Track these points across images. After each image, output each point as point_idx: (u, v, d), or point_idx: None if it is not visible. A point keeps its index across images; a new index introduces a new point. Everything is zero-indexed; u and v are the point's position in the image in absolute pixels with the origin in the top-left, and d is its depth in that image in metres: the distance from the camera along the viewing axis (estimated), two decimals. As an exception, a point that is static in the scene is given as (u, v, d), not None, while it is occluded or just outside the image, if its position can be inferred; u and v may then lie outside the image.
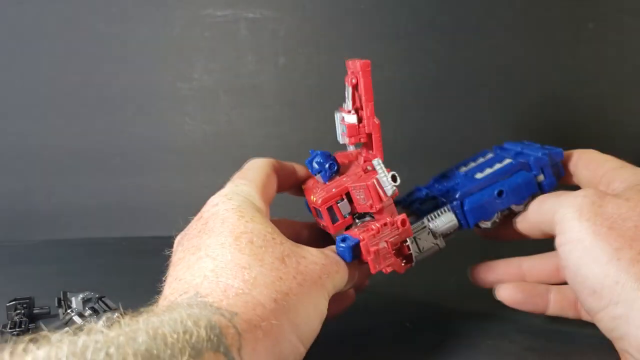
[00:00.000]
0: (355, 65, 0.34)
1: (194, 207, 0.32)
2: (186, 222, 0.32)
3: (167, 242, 0.32)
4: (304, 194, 0.38)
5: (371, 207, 0.33)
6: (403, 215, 0.33)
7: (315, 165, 0.36)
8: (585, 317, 0.34)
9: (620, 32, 0.62)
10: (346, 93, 0.36)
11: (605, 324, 0.28)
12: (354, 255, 0.31)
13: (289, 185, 0.38)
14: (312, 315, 0.27)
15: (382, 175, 0.32)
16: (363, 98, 0.34)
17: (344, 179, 0.35)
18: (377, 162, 0.33)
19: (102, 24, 0.64)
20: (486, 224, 0.36)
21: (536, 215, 0.34)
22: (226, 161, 0.65)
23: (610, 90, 0.63)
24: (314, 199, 0.35)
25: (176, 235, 0.32)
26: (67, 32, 0.64)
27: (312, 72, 0.63)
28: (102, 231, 0.64)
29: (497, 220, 0.36)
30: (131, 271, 0.52)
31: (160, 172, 0.65)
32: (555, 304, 0.35)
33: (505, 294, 0.35)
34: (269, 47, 0.63)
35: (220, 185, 0.33)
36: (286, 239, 0.30)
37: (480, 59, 0.62)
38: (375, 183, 0.32)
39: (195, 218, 0.31)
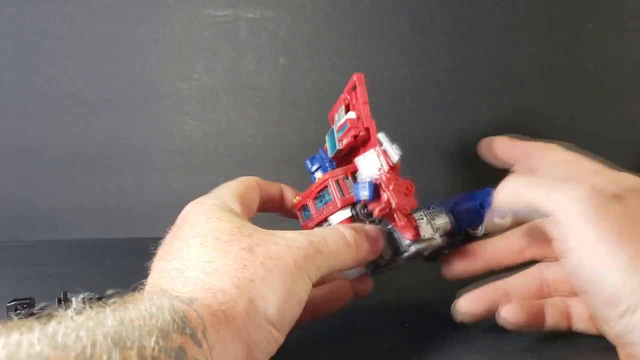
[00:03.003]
0: (352, 77, 0.37)
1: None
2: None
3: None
4: (296, 211, 0.39)
5: (379, 170, 0.34)
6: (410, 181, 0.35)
7: (315, 161, 0.38)
8: (578, 328, 0.34)
9: (620, 32, 0.62)
10: (337, 113, 0.38)
11: (619, 329, 0.27)
12: (374, 193, 0.33)
13: (277, 204, 0.38)
14: (286, 299, 0.27)
15: (387, 144, 0.34)
16: (360, 101, 0.36)
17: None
18: (383, 135, 0.34)
19: (102, 24, 0.64)
20: (475, 232, 0.37)
21: (522, 205, 0.31)
22: (226, 161, 0.66)
23: (610, 90, 0.63)
24: (318, 178, 0.36)
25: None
26: (67, 32, 0.64)
27: (312, 72, 0.63)
28: (102, 232, 0.64)
29: (485, 232, 0.37)
30: (131, 272, 0.51)
31: (160, 172, 0.66)
32: (551, 318, 0.34)
33: (510, 315, 0.33)
34: (269, 47, 0.63)
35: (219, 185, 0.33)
36: (259, 229, 0.29)
37: (480, 59, 0.62)
38: (382, 150, 0.34)
39: (173, 225, 0.32)
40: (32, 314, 0.41)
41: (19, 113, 0.65)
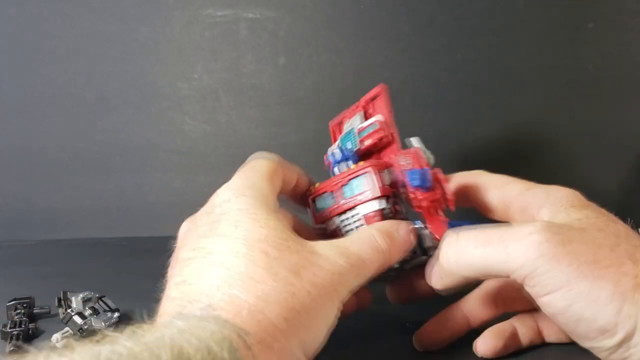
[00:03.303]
0: (375, 89, 0.39)
1: (194, 207, 0.32)
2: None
3: (167, 242, 0.32)
4: (309, 201, 0.37)
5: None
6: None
7: (341, 152, 0.37)
8: (549, 339, 0.34)
9: (620, 32, 0.62)
10: (350, 120, 0.39)
11: (617, 356, 0.27)
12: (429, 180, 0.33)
13: (290, 187, 0.36)
14: (321, 329, 0.27)
15: (423, 147, 0.35)
16: (386, 109, 0.38)
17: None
18: (417, 140, 0.36)
19: (102, 24, 0.64)
20: None
21: (491, 268, 0.29)
22: (226, 161, 0.66)
23: (610, 90, 0.63)
24: (353, 166, 0.35)
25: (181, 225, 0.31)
26: (67, 32, 0.64)
27: (312, 72, 0.63)
28: (102, 231, 0.64)
29: None
30: (131, 271, 0.52)
31: (160, 172, 0.65)
32: (525, 337, 0.34)
33: (486, 347, 0.33)
34: (269, 47, 0.63)
35: (220, 186, 0.33)
36: (302, 243, 0.28)
37: (480, 59, 0.62)
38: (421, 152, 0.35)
39: (205, 211, 0.30)
40: (32, 313, 0.41)
41: (19, 113, 0.65)
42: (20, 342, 0.36)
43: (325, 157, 0.39)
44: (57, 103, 0.65)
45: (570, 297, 0.26)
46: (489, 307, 0.35)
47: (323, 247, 0.29)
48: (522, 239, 0.28)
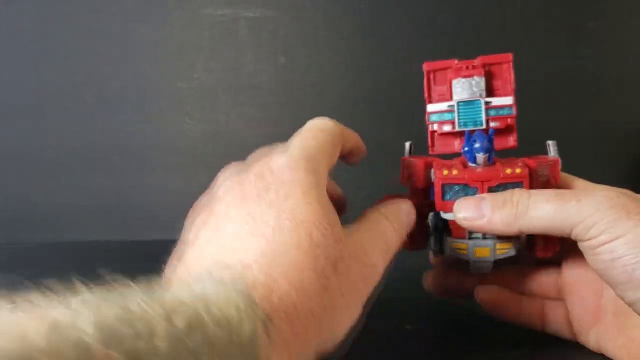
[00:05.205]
0: (501, 56, 0.37)
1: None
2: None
3: (167, 245, 0.31)
4: (438, 183, 0.33)
5: (549, 182, 0.33)
6: None
7: (489, 142, 0.33)
8: (549, 330, 0.35)
9: (620, 32, 0.62)
10: (476, 82, 0.37)
11: None
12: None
13: (344, 154, 0.34)
14: (344, 329, 0.26)
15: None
16: (513, 87, 0.36)
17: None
18: (555, 144, 0.36)
19: (102, 24, 0.64)
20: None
21: (558, 220, 0.30)
22: (226, 161, 0.65)
23: (610, 90, 0.63)
24: (512, 171, 0.33)
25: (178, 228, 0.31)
26: (67, 32, 0.64)
27: (312, 72, 0.63)
28: (102, 233, 0.64)
29: None
30: (130, 274, 0.51)
31: (160, 172, 0.66)
32: (524, 311, 0.35)
33: (487, 296, 0.35)
34: (269, 47, 0.63)
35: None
36: (345, 230, 0.27)
37: (481, 59, 0.62)
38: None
39: (256, 173, 0.28)
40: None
41: (19, 113, 0.65)
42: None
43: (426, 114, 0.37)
44: (57, 103, 0.65)
45: (636, 241, 0.27)
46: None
47: (363, 237, 0.28)
48: (594, 195, 0.29)
